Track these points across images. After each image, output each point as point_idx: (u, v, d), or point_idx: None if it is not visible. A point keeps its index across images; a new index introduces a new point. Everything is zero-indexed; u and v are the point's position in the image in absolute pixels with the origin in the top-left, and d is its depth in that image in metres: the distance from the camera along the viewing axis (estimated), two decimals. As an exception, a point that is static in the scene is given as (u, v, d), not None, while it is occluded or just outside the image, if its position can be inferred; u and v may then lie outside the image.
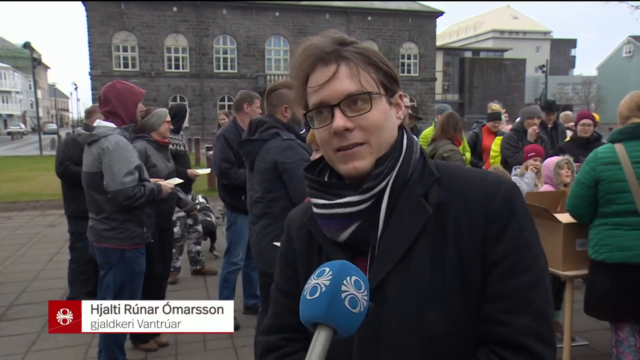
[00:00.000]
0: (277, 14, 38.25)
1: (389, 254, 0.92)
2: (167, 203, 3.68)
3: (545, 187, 4.24)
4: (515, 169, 4.88)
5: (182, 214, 5.35)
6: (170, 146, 4.99)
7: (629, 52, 54.70)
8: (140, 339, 3.84)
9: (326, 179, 1.02)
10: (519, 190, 0.95)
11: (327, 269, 0.79)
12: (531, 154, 4.66)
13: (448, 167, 1.01)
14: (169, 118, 3.97)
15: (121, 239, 3.10)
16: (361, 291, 0.78)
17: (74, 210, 4.56)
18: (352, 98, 0.93)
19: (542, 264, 0.92)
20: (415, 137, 1.04)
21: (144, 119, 3.77)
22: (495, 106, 6.79)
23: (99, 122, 3.13)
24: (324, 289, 0.77)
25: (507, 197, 0.92)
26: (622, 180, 2.71)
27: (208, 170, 6.38)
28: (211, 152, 8.15)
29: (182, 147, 5.11)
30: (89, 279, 4.62)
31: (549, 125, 6.18)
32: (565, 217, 3.15)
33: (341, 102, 0.93)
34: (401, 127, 1.01)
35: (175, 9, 36.50)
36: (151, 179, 3.35)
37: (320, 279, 0.78)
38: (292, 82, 1.02)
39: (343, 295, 0.76)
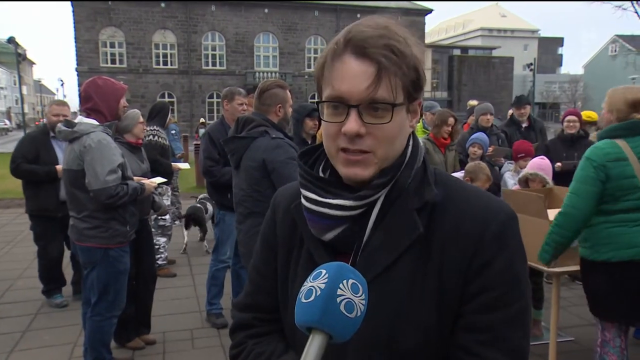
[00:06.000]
0: (266, 10, 38.10)
1: (372, 264, 0.89)
2: (142, 204, 3.59)
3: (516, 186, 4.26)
4: (507, 163, 4.91)
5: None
6: (157, 138, 5.04)
7: (615, 51, 55.29)
8: (126, 338, 3.79)
9: (320, 172, 0.97)
10: (516, 222, 0.91)
11: (324, 272, 0.76)
12: (521, 154, 4.70)
13: (449, 184, 0.95)
14: (142, 119, 3.95)
15: (104, 237, 3.05)
16: (358, 295, 0.74)
17: (29, 208, 4.71)
18: (375, 105, 0.86)
19: (526, 300, 0.89)
20: (420, 141, 0.98)
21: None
22: (472, 102, 7.37)
23: (81, 119, 3.08)
24: (319, 293, 0.73)
25: (501, 229, 0.88)
26: (632, 177, 2.63)
27: (187, 165, 6.48)
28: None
29: (166, 141, 5.24)
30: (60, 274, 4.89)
31: (524, 124, 6.09)
32: (553, 214, 3.15)
33: (362, 104, 0.85)
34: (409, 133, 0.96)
35: (163, 5, 36.19)
36: (134, 178, 3.31)
37: (315, 282, 0.75)
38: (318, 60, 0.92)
39: (339, 299, 0.73)
